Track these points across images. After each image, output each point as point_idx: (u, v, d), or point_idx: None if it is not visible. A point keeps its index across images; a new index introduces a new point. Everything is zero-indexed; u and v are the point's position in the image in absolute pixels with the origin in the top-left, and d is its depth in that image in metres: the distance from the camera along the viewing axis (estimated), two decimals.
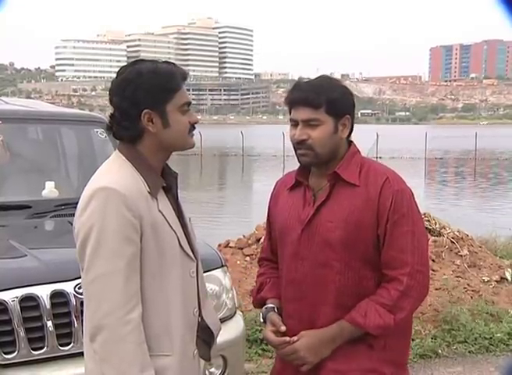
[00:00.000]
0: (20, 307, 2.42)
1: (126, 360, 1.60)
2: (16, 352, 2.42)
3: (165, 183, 1.76)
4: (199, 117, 1.83)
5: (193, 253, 1.79)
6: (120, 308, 1.60)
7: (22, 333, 2.41)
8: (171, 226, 1.71)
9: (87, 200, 1.64)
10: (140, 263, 1.66)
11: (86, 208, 1.64)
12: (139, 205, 1.65)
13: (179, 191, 1.86)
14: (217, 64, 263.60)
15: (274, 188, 2.10)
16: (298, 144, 1.88)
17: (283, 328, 1.91)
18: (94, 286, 1.63)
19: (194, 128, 1.76)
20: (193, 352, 1.78)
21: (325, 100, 1.83)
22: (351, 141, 1.96)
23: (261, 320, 2.04)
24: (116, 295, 1.60)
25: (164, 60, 1.78)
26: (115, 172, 1.69)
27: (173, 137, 1.72)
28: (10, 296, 2.40)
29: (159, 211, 1.70)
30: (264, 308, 2.03)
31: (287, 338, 1.90)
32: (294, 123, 1.88)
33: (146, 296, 1.67)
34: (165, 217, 1.70)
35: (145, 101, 1.66)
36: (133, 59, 1.89)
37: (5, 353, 2.41)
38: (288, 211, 1.96)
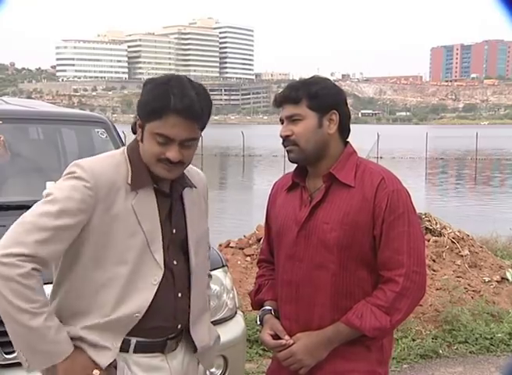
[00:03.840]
0: None
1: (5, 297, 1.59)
2: None
3: (155, 184, 1.76)
4: None
5: (166, 263, 1.75)
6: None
7: None
8: (139, 224, 1.71)
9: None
10: (81, 244, 1.68)
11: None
12: (106, 191, 1.68)
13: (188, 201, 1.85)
14: (218, 64, 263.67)
15: (272, 189, 2.10)
16: (284, 141, 1.91)
17: (287, 337, 1.89)
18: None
19: (171, 163, 1.68)
20: (112, 343, 1.72)
21: (305, 94, 1.85)
22: (347, 142, 1.95)
23: (258, 322, 2.03)
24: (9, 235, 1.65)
25: (199, 89, 1.70)
26: (101, 158, 1.78)
27: (143, 154, 1.74)
28: None
29: (131, 205, 1.71)
30: (261, 310, 2.03)
31: (283, 341, 1.89)
32: (281, 122, 1.92)
33: (75, 275, 1.71)
34: (135, 212, 1.70)
35: (138, 110, 1.74)
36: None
37: (6, 353, 2.42)
38: (285, 212, 1.95)
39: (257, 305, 2.07)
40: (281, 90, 1.95)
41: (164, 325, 1.79)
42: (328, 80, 1.99)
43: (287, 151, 1.92)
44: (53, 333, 1.63)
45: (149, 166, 1.74)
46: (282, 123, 1.92)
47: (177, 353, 1.85)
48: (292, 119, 1.88)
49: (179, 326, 1.83)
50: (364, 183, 1.84)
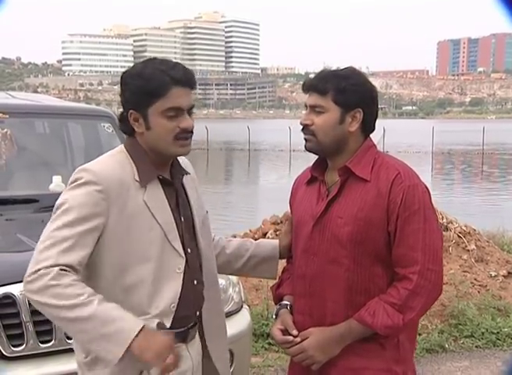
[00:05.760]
0: (28, 300, 2.43)
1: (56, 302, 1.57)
2: (25, 345, 2.43)
3: (161, 175, 1.78)
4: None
5: (184, 251, 1.78)
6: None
7: (30, 326, 2.42)
8: (154, 217, 1.72)
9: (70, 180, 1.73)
10: (104, 251, 1.67)
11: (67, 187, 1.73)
12: (117, 192, 1.68)
13: (191, 188, 1.90)
14: (223, 58, 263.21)
15: (293, 184, 2.08)
16: (303, 129, 1.89)
17: (295, 332, 1.88)
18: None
19: (187, 133, 1.74)
20: None
21: (333, 88, 1.82)
22: (368, 136, 1.91)
23: (274, 316, 2.02)
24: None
25: (175, 61, 1.78)
26: (104, 160, 1.76)
27: (155, 140, 1.74)
28: (18, 289, 2.41)
29: (143, 200, 1.72)
30: (278, 304, 2.02)
31: (290, 338, 1.87)
32: (306, 107, 1.90)
33: (103, 284, 1.69)
34: (148, 207, 1.72)
35: (131, 101, 1.74)
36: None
37: (14, 346, 2.43)
38: (303, 206, 1.94)
39: (278, 299, 2.06)
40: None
41: (187, 313, 1.82)
42: (362, 74, 1.93)
43: (304, 138, 1.89)
44: (115, 312, 1.58)
45: (165, 150, 1.74)
46: (305, 108, 1.90)
47: (194, 342, 1.89)
48: (315, 110, 1.85)
49: (198, 313, 1.87)
50: (379, 178, 1.81)
